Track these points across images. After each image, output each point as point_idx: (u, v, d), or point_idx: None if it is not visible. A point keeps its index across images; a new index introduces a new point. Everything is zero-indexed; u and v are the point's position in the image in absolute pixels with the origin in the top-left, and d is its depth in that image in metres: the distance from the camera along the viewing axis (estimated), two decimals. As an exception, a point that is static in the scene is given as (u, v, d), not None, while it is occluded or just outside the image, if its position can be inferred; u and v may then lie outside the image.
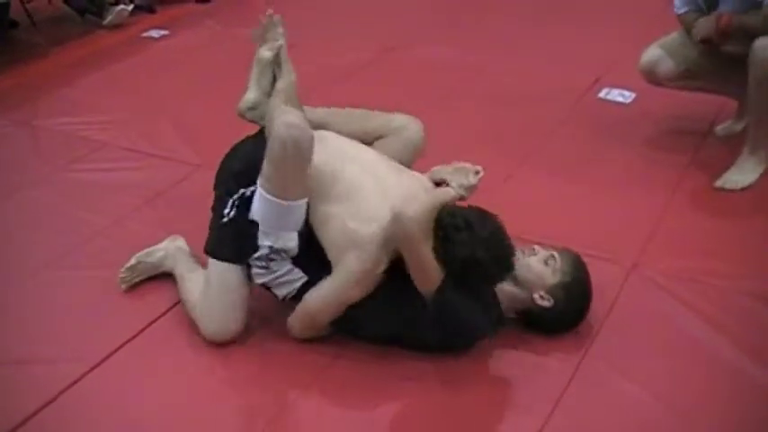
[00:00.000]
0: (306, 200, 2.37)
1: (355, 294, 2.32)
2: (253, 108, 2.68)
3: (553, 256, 2.44)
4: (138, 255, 2.75)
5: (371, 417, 2.28)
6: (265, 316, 2.56)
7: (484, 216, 2.35)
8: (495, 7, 5.30)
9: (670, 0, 3.35)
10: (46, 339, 2.57)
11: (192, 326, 2.53)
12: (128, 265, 2.73)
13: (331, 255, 2.37)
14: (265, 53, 2.69)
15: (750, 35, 2.96)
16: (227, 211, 2.49)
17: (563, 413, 2.22)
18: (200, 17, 5.49)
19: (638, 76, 3.48)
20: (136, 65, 4.78)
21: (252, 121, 2.69)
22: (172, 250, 2.75)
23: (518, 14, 5.17)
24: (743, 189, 3.15)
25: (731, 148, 3.31)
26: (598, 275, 2.67)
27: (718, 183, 3.18)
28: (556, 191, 3.17)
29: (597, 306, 2.56)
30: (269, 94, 2.68)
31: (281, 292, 2.46)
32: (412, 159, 2.65)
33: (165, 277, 2.75)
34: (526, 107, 3.88)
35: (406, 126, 2.65)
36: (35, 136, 3.91)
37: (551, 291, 2.39)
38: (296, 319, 2.45)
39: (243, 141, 2.65)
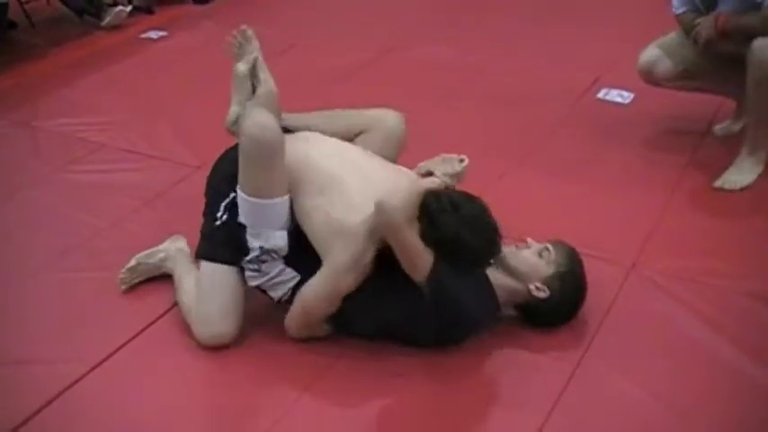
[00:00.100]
0: (286, 197, 2.40)
1: (346, 284, 2.32)
2: (236, 122, 2.67)
3: (547, 248, 2.45)
4: (138, 256, 2.75)
5: (372, 417, 2.28)
6: (264, 318, 2.55)
7: (469, 199, 2.37)
8: (495, 8, 5.30)
9: (668, 0, 3.35)
10: (46, 340, 2.57)
11: (189, 329, 2.53)
12: (128, 266, 2.74)
13: (318, 247, 2.39)
14: (241, 67, 2.70)
15: (748, 35, 2.96)
16: (219, 214, 2.52)
17: (562, 412, 2.22)
18: (199, 18, 5.49)
19: (636, 77, 3.48)
20: (134, 66, 4.78)
21: (235, 135, 2.67)
22: (172, 252, 2.75)
23: (517, 15, 5.17)
24: (742, 189, 3.16)
25: (729, 148, 3.31)
26: (597, 275, 2.67)
27: (717, 183, 3.19)
28: (555, 191, 3.17)
29: (596, 306, 2.57)
30: None
31: (276, 293, 2.47)
32: (396, 152, 2.67)
33: (165, 278, 2.75)
34: (525, 107, 3.89)
35: (385, 118, 2.69)
36: (34, 137, 3.91)
37: (547, 281, 2.40)
38: (292, 318, 2.45)
39: (234, 147, 2.64)
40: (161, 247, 2.79)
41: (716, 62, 3.24)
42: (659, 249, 2.84)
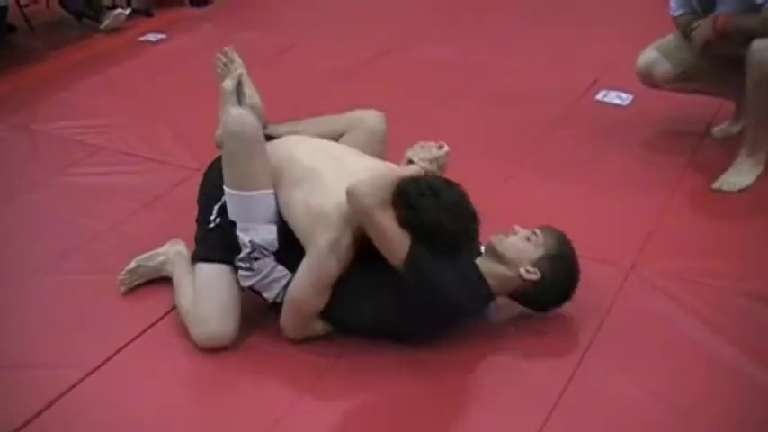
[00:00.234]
0: (270, 191, 2.47)
1: (329, 268, 2.34)
2: None
3: (534, 232, 2.46)
4: (138, 258, 2.76)
5: (373, 418, 2.28)
6: (262, 321, 2.55)
7: (448, 184, 2.38)
8: (494, 8, 5.31)
9: (666, 2, 3.35)
10: (45, 342, 2.57)
11: (187, 332, 2.53)
12: (128, 268, 2.74)
13: (302, 239, 2.42)
14: (228, 84, 2.80)
15: (748, 37, 2.96)
16: (212, 217, 2.58)
17: (562, 413, 2.22)
18: (197, 21, 5.49)
19: (635, 78, 3.49)
20: (133, 69, 4.78)
21: None
22: (172, 255, 2.76)
23: (517, 16, 5.18)
24: (740, 190, 3.16)
25: (728, 150, 3.31)
26: (597, 276, 2.68)
27: (716, 184, 3.19)
28: (554, 192, 3.17)
29: (596, 306, 2.57)
30: None
31: (270, 293, 2.48)
32: (379, 149, 2.71)
33: (164, 281, 2.75)
34: (524, 108, 3.89)
35: (366, 118, 2.75)
36: (33, 140, 3.91)
37: (537, 264, 2.40)
38: (285, 316, 2.46)
39: None
40: (161, 250, 2.79)
41: (714, 64, 3.24)
42: (658, 250, 2.84)
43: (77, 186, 3.46)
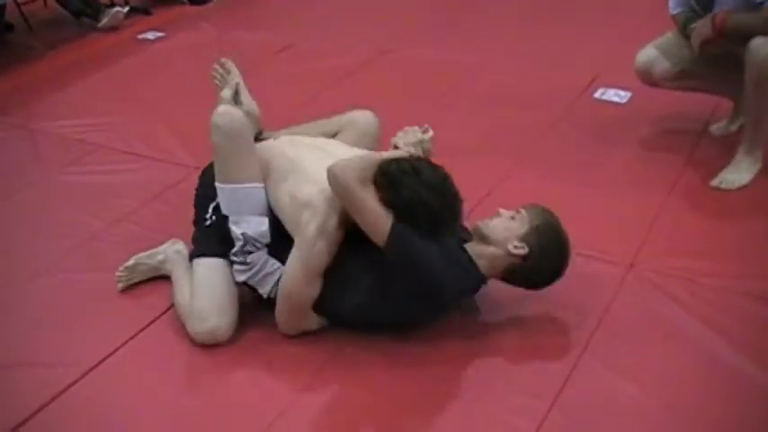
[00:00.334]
0: (259, 184, 2.53)
1: (319, 253, 2.36)
2: None
3: (519, 211, 2.47)
4: (137, 256, 2.77)
5: (371, 414, 2.28)
6: (260, 320, 2.55)
7: (431, 165, 2.40)
8: (493, 8, 5.30)
9: (664, 0, 3.35)
10: (44, 341, 2.57)
11: (186, 329, 2.53)
12: (126, 264, 2.75)
13: (291, 230, 2.45)
14: (226, 93, 2.87)
15: (747, 35, 2.96)
16: (208, 215, 2.62)
17: (560, 413, 2.22)
18: (196, 19, 5.49)
19: (633, 76, 3.48)
20: (132, 67, 4.78)
21: None
22: (171, 254, 2.76)
23: (515, 15, 5.17)
24: (739, 188, 3.16)
25: (727, 148, 3.32)
26: (595, 275, 2.69)
27: (714, 182, 3.19)
28: (552, 190, 3.17)
29: (594, 306, 2.57)
30: None
31: (265, 289, 2.50)
32: (372, 148, 2.72)
33: (163, 280, 2.75)
34: (523, 107, 3.89)
35: (356, 118, 2.81)
36: (32, 139, 3.91)
37: (524, 239, 2.40)
38: (279, 310, 2.47)
39: None
40: (160, 249, 2.80)
41: (713, 62, 3.24)
42: (657, 249, 2.84)
43: (76, 185, 3.46)
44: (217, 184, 2.58)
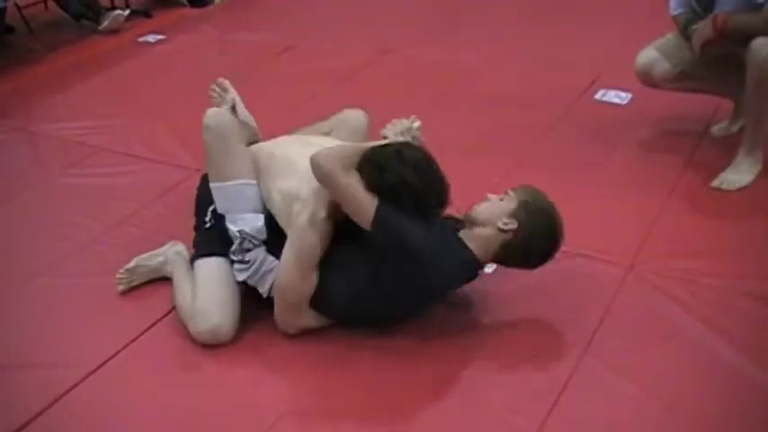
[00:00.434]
0: (251, 181, 2.59)
1: (311, 244, 2.39)
2: None
3: (506, 192, 2.48)
4: (137, 258, 2.77)
5: (373, 417, 2.28)
6: (259, 319, 2.56)
7: (415, 148, 2.42)
8: (493, 9, 5.30)
9: (665, 1, 3.35)
10: (46, 343, 2.57)
11: (188, 330, 2.53)
12: (127, 266, 2.75)
13: (284, 225, 2.49)
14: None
15: (748, 36, 2.96)
16: (207, 218, 2.66)
17: (561, 412, 2.22)
18: (196, 21, 5.49)
19: (634, 78, 3.49)
20: (132, 69, 4.78)
21: None
22: (171, 256, 2.76)
23: (515, 16, 5.18)
24: (739, 189, 3.16)
25: (727, 149, 3.32)
26: (596, 276, 2.69)
27: (715, 183, 3.19)
28: (552, 191, 3.15)
29: (595, 306, 2.57)
30: None
31: (264, 287, 2.51)
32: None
33: (164, 282, 2.75)
34: (523, 108, 3.89)
35: (346, 117, 2.85)
36: (32, 141, 3.91)
37: (513, 214, 2.41)
38: (277, 309, 2.48)
39: None
40: (160, 250, 2.80)
41: (714, 63, 3.24)
42: (657, 249, 2.84)
43: (77, 187, 3.46)
44: (211, 184, 2.63)
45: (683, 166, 3.34)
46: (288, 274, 2.42)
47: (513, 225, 2.39)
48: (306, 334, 2.51)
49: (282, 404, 2.31)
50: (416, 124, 2.55)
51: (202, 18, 5.55)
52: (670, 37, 3.36)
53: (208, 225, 2.66)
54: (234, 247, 2.51)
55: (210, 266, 2.58)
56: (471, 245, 2.41)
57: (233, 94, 2.88)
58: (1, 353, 2.54)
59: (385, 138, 2.51)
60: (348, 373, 2.40)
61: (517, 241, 2.41)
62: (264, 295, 2.52)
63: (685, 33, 3.23)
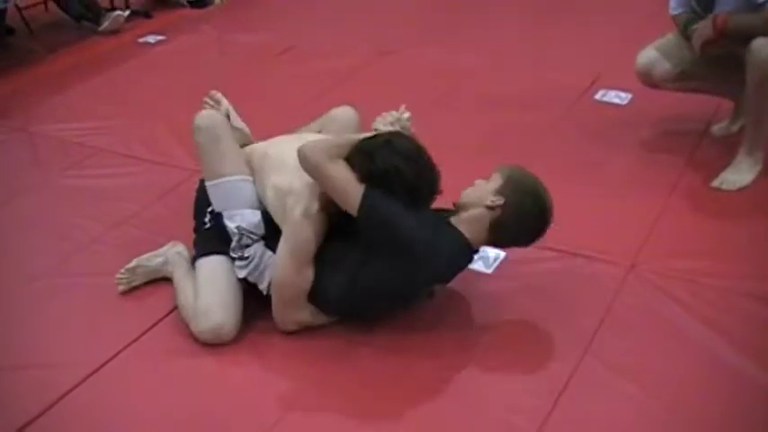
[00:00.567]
0: (245, 177, 2.63)
1: (306, 237, 2.40)
2: None
3: (491, 174, 2.50)
4: (138, 258, 2.77)
5: (374, 417, 2.28)
6: (259, 319, 2.56)
7: (404, 137, 2.44)
8: (493, 10, 5.31)
9: (665, 1, 3.35)
10: (46, 344, 2.57)
11: (189, 332, 2.52)
12: (127, 266, 2.75)
13: (279, 221, 2.50)
14: None
15: (748, 36, 2.95)
16: (206, 219, 2.67)
17: (561, 413, 2.21)
18: (196, 22, 5.49)
19: (634, 78, 3.48)
20: (132, 70, 4.78)
21: None
22: (171, 256, 2.76)
23: (515, 17, 5.18)
24: (740, 189, 3.16)
25: (728, 149, 3.31)
26: (596, 276, 2.68)
27: (715, 183, 3.19)
28: (553, 192, 3.14)
29: (595, 306, 2.57)
30: None
31: (263, 283, 2.52)
32: None
33: (164, 282, 2.75)
34: (523, 109, 3.89)
35: (338, 113, 2.87)
36: (32, 142, 3.91)
37: (499, 191, 2.42)
38: (274, 303, 2.49)
39: None
40: (160, 251, 2.80)
41: (714, 63, 3.24)
42: (658, 250, 2.84)
43: (76, 188, 3.45)
44: (206, 184, 2.66)
45: (683, 165, 3.34)
46: (284, 270, 2.43)
47: (500, 201, 2.40)
48: (304, 331, 2.51)
49: (283, 402, 2.31)
50: (406, 115, 2.56)
51: (202, 19, 5.55)
52: (670, 37, 3.36)
53: (207, 226, 2.67)
54: (233, 244, 2.53)
55: (211, 265, 2.58)
56: (463, 228, 2.43)
57: (226, 105, 2.91)
58: (1, 354, 2.53)
59: (376, 130, 2.52)
60: (348, 370, 2.40)
61: (506, 217, 2.41)
62: (264, 292, 2.52)
63: (685, 33, 3.22)
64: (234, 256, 2.54)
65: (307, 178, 2.42)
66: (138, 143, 3.78)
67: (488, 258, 2.77)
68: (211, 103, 2.90)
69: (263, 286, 2.52)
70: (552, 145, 3.57)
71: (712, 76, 3.35)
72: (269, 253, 2.52)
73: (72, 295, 2.78)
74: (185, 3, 5.76)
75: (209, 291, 2.52)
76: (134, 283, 2.76)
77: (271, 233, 2.53)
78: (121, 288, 2.74)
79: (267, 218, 2.56)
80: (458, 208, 2.47)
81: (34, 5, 5.58)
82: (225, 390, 2.38)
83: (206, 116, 2.72)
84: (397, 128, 2.52)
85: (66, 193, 3.43)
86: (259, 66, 4.62)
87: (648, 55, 3.39)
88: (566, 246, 2.84)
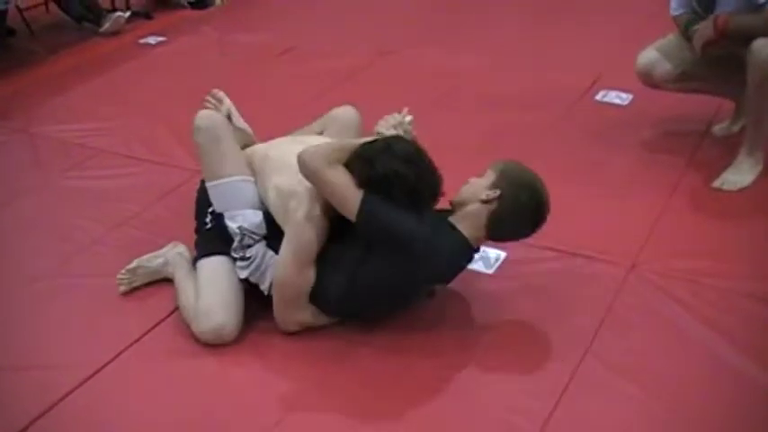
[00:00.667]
0: (246, 177, 2.63)
1: (308, 239, 2.40)
2: None
3: (485, 172, 2.49)
4: (138, 259, 2.77)
5: (374, 417, 2.28)
6: (260, 320, 2.56)
7: (404, 140, 2.44)
8: (493, 10, 5.31)
9: (666, 1, 3.35)
10: (47, 345, 2.57)
11: (191, 332, 2.53)
12: (128, 267, 2.75)
13: (281, 222, 2.50)
14: None
15: (749, 37, 2.95)
16: (207, 219, 2.67)
17: (562, 414, 2.21)
18: (197, 23, 5.49)
19: (635, 78, 3.48)
20: (133, 71, 4.78)
21: None
22: (172, 257, 2.76)
23: (516, 17, 5.18)
24: (740, 189, 3.16)
25: (728, 149, 3.31)
26: (597, 276, 2.68)
27: (716, 183, 3.19)
28: (554, 192, 3.15)
29: (596, 306, 2.57)
30: None
31: (265, 283, 2.52)
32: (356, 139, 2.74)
33: (165, 284, 2.75)
34: (524, 109, 3.89)
35: (339, 113, 2.87)
36: (33, 143, 3.91)
37: (493, 185, 2.42)
38: (275, 303, 2.49)
39: None
40: (161, 252, 2.80)
41: (715, 64, 3.24)
42: (659, 250, 2.84)
43: (77, 189, 3.45)
44: (207, 184, 2.66)
45: (684, 166, 3.34)
46: (285, 270, 2.43)
47: (495, 194, 2.40)
48: (305, 331, 2.51)
49: (284, 403, 2.31)
50: (408, 118, 2.56)
51: (203, 20, 5.55)
52: (671, 38, 3.36)
53: (208, 226, 2.66)
54: (235, 245, 2.53)
55: (213, 266, 2.58)
56: (461, 226, 2.43)
57: (228, 104, 2.90)
58: (1, 354, 2.53)
59: (378, 133, 2.52)
60: (348, 370, 2.40)
61: (503, 209, 2.41)
62: (266, 292, 2.52)
63: (686, 34, 3.22)
64: (235, 256, 2.54)
65: (305, 183, 2.42)
66: (138, 144, 3.78)
67: (489, 258, 2.77)
68: (213, 101, 2.90)
69: (264, 286, 2.52)
70: (552, 145, 3.57)
71: (713, 77, 3.35)
72: (270, 253, 2.52)
73: (73, 296, 2.78)
74: (186, 4, 5.76)
75: (211, 291, 2.52)
76: (135, 284, 2.76)
77: (272, 233, 2.53)
78: (122, 289, 2.74)
79: (269, 218, 2.56)
80: (454, 206, 2.47)
81: (35, 6, 5.58)
82: (226, 390, 2.38)
83: (206, 116, 2.72)
84: (399, 131, 2.51)
85: (66, 194, 3.43)
86: (259, 66, 4.62)
87: (649, 55, 3.39)
88: (566, 246, 2.84)
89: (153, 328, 2.60)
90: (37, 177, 3.59)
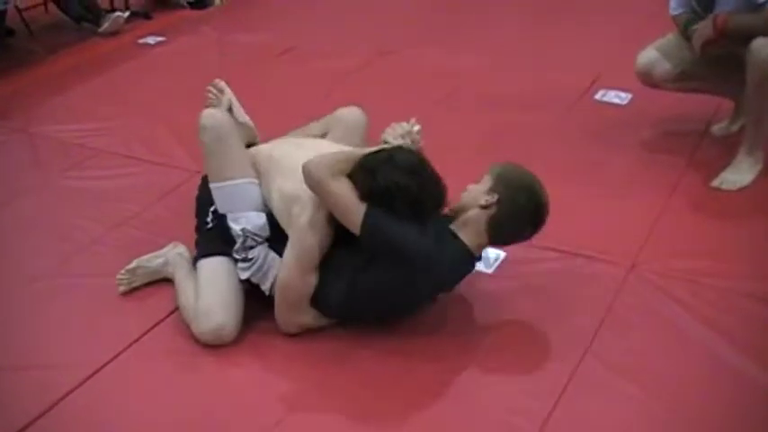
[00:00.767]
0: (251, 179, 2.61)
1: (311, 244, 2.39)
2: None
3: (482, 178, 2.49)
4: (138, 259, 2.76)
5: (374, 417, 2.28)
6: (260, 321, 2.56)
7: (407, 151, 2.42)
8: (493, 10, 5.31)
9: (665, 1, 3.35)
10: (46, 345, 2.57)
11: (190, 332, 2.52)
12: (128, 267, 2.75)
13: (284, 226, 2.50)
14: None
15: (749, 36, 2.95)
16: (208, 219, 2.66)
17: (562, 414, 2.21)
18: (196, 23, 5.49)
19: (634, 78, 3.49)
20: (132, 71, 4.78)
21: None
22: (172, 257, 2.76)
23: (515, 16, 5.18)
24: (740, 189, 3.16)
25: (728, 148, 3.31)
26: (597, 276, 2.68)
27: (715, 183, 3.19)
28: (553, 192, 3.15)
29: (596, 306, 2.57)
30: None
31: (266, 284, 2.52)
32: (360, 141, 2.76)
33: (165, 284, 2.75)
34: (523, 109, 3.89)
35: (344, 114, 2.85)
36: (32, 143, 3.91)
37: (491, 189, 2.42)
38: (277, 305, 2.49)
39: None
40: (161, 252, 2.80)
41: (714, 63, 3.24)
42: (658, 250, 2.84)
43: (77, 189, 3.45)
44: (210, 185, 2.64)
45: (683, 165, 3.34)
46: (288, 274, 2.43)
47: (494, 198, 2.40)
48: (305, 332, 2.51)
49: (284, 404, 2.31)
50: (416, 128, 2.54)
51: (202, 20, 5.55)
52: (670, 37, 3.36)
53: (209, 226, 2.66)
54: (237, 246, 2.52)
55: (213, 266, 2.58)
56: (462, 233, 2.42)
57: (229, 94, 2.89)
58: (1, 354, 2.53)
59: (386, 142, 2.50)
60: (349, 372, 2.40)
61: (502, 213, 2.41)
62: (267, 293, 2.52)
63: (686, 33, 3.22)
64: (237, 257, 2.53)
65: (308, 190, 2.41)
66: (138, 144, 3.78)
67: (489, 259, 2.77)
68: (214, 91, 2.88)
69: (265, 287, 2.52)
70: (552, 145, 3.57)
71: (712, 77, 3.35)
72: (272, 254, 2.51)
73: (72, 296, 2.78)
74: (185, 4, 5.76)
75: (211, 292, 2.52)
76: (134, 284, 2.76)
77: (275, 235, 2.53)
78: (122, 289, 2.74)
79: (272, 219, 2.56)
80: (455, 213, 2.47)
81: (34, 7, 5.57)
82: (226, 391, 2.38)
83: (211, 116, 2.69)
84: (407, 141, 2.50)
85: (66, 194, 3.43)
86: (259, 66, 4.62)
87: (649, 55, 3.39)
88: (566, 246, 2.84)
89: (152, 328, 2.60)
90: (36, 177, 3.59)
